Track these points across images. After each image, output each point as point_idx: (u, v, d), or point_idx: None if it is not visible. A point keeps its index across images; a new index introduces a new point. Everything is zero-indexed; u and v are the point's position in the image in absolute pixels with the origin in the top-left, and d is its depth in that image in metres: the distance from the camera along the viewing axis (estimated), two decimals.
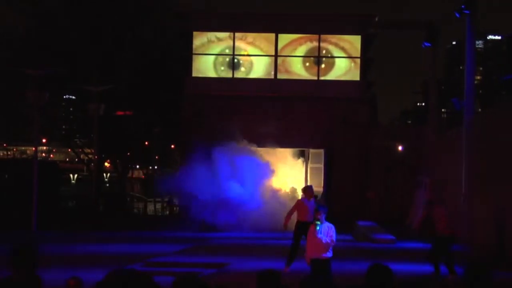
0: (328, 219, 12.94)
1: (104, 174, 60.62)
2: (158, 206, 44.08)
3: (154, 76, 38.35)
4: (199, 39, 33.38)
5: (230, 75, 33.29)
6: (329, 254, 12.70)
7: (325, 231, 12.60)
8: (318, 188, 32.82)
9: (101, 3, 38.29)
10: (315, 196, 30.48)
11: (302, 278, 6.39)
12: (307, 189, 17.67)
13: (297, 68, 33.63)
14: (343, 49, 33.46)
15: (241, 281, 13.53)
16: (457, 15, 24.09)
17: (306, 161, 34.16)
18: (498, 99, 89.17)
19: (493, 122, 21.12)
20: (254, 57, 33.78)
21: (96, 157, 37.96)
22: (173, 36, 38.47)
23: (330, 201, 30.51)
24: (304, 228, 16.71)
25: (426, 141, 31.49)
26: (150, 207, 43.72)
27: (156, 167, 54.39)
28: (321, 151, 33.04)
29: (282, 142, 31.88)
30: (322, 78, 33.36)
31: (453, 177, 25.27)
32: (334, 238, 12.63)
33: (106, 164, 52.59)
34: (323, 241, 12.53)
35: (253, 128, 31.08)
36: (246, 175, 29.45)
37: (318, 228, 12.56)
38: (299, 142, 32.85)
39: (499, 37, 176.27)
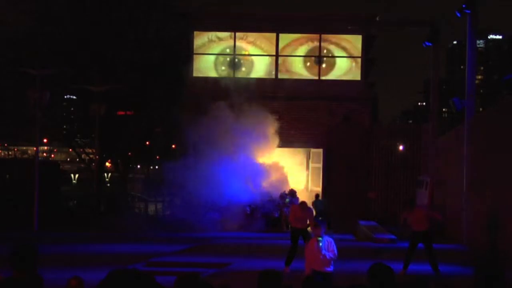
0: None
1: (105, 174, 60.62)
2: (159, 206, 44.11)
3: (155, 76, 38.35)
4: (200, 39, 33.40)
5: (231, 75, 33.29)
6: (331, 268, 12.73)
7: (326, 246, 12.65)
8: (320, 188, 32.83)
9: (102, 2, 38.28)
10: (317, 195, 30.65)
11: (304, 277, 6.39)
12: (302, 204, 17.67)
13: (298, 68, 33.64)
14: (344, 48, 33.47)
15: (243, 280, 13.53)
16: (458, 14, 24.08)
17: (307, 161, 34.13)
18: (499, 99, 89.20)
19: (494, 122, 21.10)
20: (255, 56, 33.79)
21: (97, 157, 37.97)
22: (174, 36, 38.46)
23: (330, 201, 30.49)
24: (298, 233, 16.87)
25: (427, 141, 31.49)
26: (151, 207, 43.67)
27: (157, 167, 54.36)
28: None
29: (283, 142, 31.87)
30: (323, 78, 33.37)
31: (454, 177, 25.27)
32: (336, 252, 12.69)
33: (107, 164, 52.58)
34: (327, 257, 12.59)
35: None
36: (243, 173, 29.45)
37: (320, 244, 12.61)
38: (300, 142, 32.83)
39: (500, 37, 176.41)
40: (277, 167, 31.26)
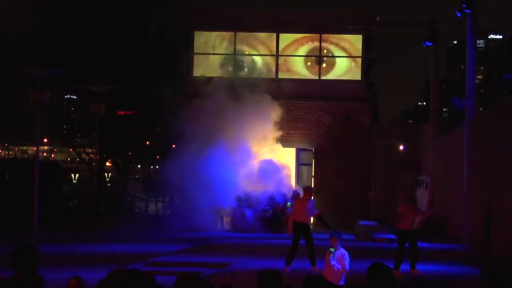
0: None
1: (106, 174, 60.66)
2: (159, 205, 44.16)
3: (155, 76, 38.35)
4: (200, 39, 33.38)
5: (231, 75, 33.26)
6: (342, 282, 12.67)
7: (338, 258, 12.62)
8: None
9: (102, 2, 38.29)
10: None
11: (304, 277, 6.38)
12: (307, 189, 17.68)
13: (299, 67, 33.63)
14: (344, 48, 33.48)
15: (243, 280, 13.53)
16: (458, 14, 24.07)
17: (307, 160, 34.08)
18: (499, 98, 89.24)
19: (494, 122, 21.10)
20: (255, 56, 33.78)
21: (97, 156, 37.98)
22: (174, 36, 38.46)
23: (326, 200, 30.37)
24: (299, 228, 16.75)
25: (427, 141, 31.48)
26: (152, 207, 43.74)
27: (157, 166, 54.37)
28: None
29: (283, 141, 31.85)
30: (323, 77, 33.36)
31: (454, 177, 25.26)
32: (347, 266, 12.60)
33: (107, 163, 52.62)
34: (335, 268, 12.56)
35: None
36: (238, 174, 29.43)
37: (331, 255, 12.61)
38: (300, 142, 32.81)
39: (501, 37, 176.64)
40: (281, 165, 31.01)
